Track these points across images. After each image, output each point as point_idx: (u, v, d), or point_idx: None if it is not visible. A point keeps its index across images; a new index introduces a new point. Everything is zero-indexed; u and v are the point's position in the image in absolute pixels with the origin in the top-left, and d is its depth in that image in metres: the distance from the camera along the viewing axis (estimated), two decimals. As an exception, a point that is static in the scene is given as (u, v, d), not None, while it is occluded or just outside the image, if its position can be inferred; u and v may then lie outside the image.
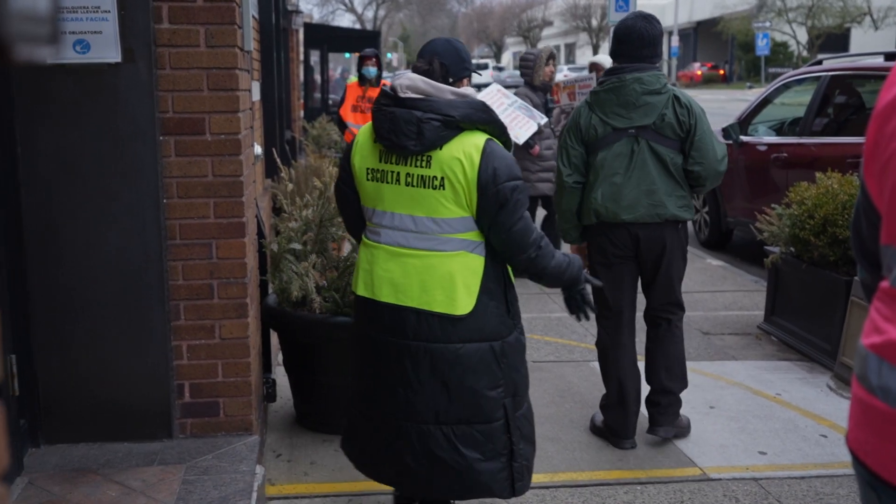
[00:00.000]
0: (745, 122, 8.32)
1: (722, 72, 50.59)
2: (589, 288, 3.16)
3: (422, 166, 2.80)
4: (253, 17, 4.79)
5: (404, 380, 2.90)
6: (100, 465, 3.36)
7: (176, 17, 3.35)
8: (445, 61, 2.87)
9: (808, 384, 4.94)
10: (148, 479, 3.23)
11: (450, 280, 2.83)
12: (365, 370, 3.06)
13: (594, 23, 62.56)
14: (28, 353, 3.44)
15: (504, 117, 5.93)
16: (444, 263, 2.84)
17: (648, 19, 3.84)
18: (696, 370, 5.14)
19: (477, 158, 2.75)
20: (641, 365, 4.14)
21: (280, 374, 4.55)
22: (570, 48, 70.70)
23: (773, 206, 5.84)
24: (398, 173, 2.83)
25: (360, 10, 59.46)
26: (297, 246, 4.10)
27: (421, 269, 2.85)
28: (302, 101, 17.66)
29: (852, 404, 1.50)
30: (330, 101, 18.49)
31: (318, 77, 20.43)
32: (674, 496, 3.58)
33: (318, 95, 19.79)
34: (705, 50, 55.65)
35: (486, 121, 2.82)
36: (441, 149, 2.77)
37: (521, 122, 6.35)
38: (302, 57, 17.96)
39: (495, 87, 6.41)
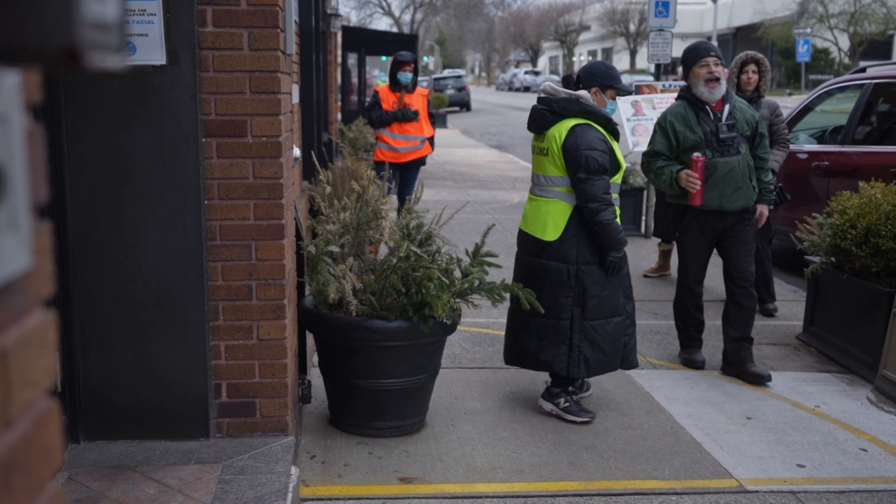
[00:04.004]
0: (785, 130, 8.21)
1: None
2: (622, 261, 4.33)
3: (540, 141, 4.36)
4: (294, 20, 4.83)
5: (522, 281, 4.30)
6: (138, 462, 3.40)
7: (220, 21, 3.39)
8: (581, 74, 4.42)
9: (848, 397, 4.86)
10: (185, 478, 3.26)
11: (544, 216, 4.32)
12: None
13: (632, 28, 62.19)
14: (69, 350, 3.50)
15: (630, 124, 8.00)
16: (545, 206, 4.34)
17: None
18: (733, 380, 5.09)
19: (564, 135, 4.21)
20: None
21: (315, 376, 4.57)
22: (608, 53, 70.32)
23: (813, 215, 5.77)
24: (534, 146, 4.43)
25: (397, 13, 59.69)
26: (334, 248, 4.12)
27: (535, 208, 4.39)
28: (339, 103, 17.75)
29: None
30: (366, 103, 18.53)
31: (355, 80, 20.51)
32: (710, 507, 3.54)
33: (355, 98, 19.87)
34: (744, 56, 55.03)
35: (580, 112, 4.22)
36: (549, 129, 4.27)
37: (641, 134, 7.84)
38: (340, 60, 18.05)
39: (633, 98, 8.06)
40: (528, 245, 4.41)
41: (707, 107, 4.95)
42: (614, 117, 4.41)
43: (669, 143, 5.00)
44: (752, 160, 4.99)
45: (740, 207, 4.95)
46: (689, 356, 5.35)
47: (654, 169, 5.05)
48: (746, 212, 5.02)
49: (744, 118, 4.97)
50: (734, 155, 4.90)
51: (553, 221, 4.29)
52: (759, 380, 4.97)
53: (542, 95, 4.35)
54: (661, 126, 5.06)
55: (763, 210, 5.16)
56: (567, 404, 4.38)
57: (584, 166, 4.14)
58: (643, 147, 7.62)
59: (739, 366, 5.08)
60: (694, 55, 4.99)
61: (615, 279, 4.32)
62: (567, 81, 4.45)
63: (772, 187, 5.11)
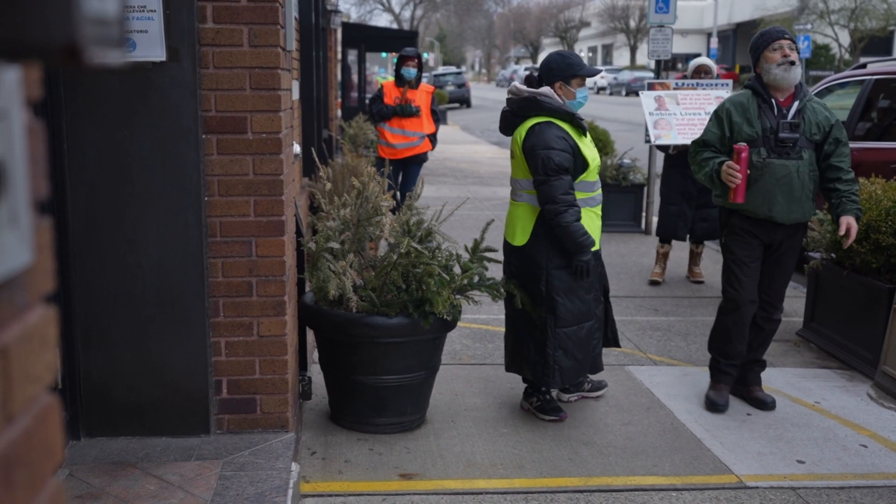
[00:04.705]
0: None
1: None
2: (589, 265, 4.09)
3: (510, 144, 4.25)
4: (294, 17, 4.83)
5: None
6: (138, 458, 3.40)
7: (220, 17, 3.39)
8: (541, 71, 4.21)
9: (848, 392, 4.87)
10: (185, 474, 3.27)
11: (514, 221, 4.22)
12: None
13: (632, 24, 62.15)
14: (70, 347, 3.50)
15: (652, 118, 7.61)
16: (515, 209, 4.24)
17: None
18: (733, 376, 5.09)
19: (523, 135, 4.09)
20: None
21: (315, 372, 4.58)
22: (608, 49, 70.28)
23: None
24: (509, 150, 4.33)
25: (397, 9, 59.62)
26: (334, 245, 4.13)
27: (509, 212, 4.30)
28: (339, 100, 17.75)
29: None
30: (366, 100, 18.55)
31: (355, 76, 20.52)
32: None
33: (355, 95, 19.88)
34: (744, 52, 54.94)
35: (540, 111, 4.06)
36: (515, 131, 4.16)
37: (664, 128, 7.56)
38: (340, 56, 18.05)
39: (656, 93, 7.74)
40: (506, 250, 4.31)
41: (773, 100, 4.32)
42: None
43: (722, 134, 4.39)
44: (826, 170, 4.32)
45: (793, 221, 4.34)
46: (714, 396, 4.57)
47: (698, 160, 4.47)
48: (800, 228, 4.44)
49: (814, 120, 4.30)
50: (794, 159, 4.26)
51: (521, 226, 4.17)
52: (763, 406, 4.55)
53: (509, 96, 4.22)
54: (717, 114, 4.45)
55: (850, 222, 4.24)
56: (539, 403, 4.39)
57: (542, 167, 3.96)
58: (664, 140, 7.34)
59: (745, 388, 4.67)
60: (765, 38, 4.38)
61: (586, 283, 4.14)
62: (529, 80, 4.21)
63: (855, 197, 4.28)
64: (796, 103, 4.33)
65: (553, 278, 4.09)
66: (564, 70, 4.13)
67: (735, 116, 4.35)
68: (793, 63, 4.27)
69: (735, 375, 4.61)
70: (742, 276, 4.43)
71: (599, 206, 4.25)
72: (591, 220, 4.14)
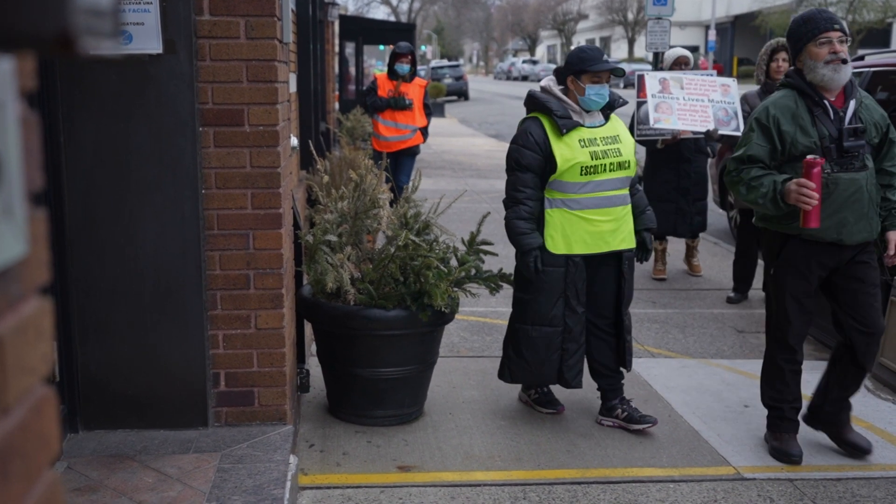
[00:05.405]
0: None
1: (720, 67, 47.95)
2: (532, 266, 3.98)
3: None
4: (291, 9, 4.82)
5: None
6: (136, 451, 3.41)
7: (216, 9, 3.38)
8: (561, 65, 4.19)
9: (846, 385, 4.87)
10: (184, 467, 3.27)
11: None
12: None
13: (630, 16, 62.10)
14: (68, 340, 3.50)
15: (653, 103, 6.77)
16: None
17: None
18: (731, 368, 5.10)
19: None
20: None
21: (313, 365, 4.58)
22: (606, 42, 70.21)
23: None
24: None
25: (394, 2, 59.50)
26: (332, 237, 4.12)
27: None
28: (337, 92, 17.72)
29: None
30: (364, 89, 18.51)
31: (352, 69, 20.48)
32: (707, 495, 3.56)
33: (352, 87, 19.84)
34: (743, 44, 55.05)
35: (532, 108, 4.11)
36: None
37: (665, 112, 6.99)
38: (337, 49, 18.02)
39: (661, 75, 7.05)
40: None
41: (826, 101, 3.66)
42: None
43: (772, 147, 3.67)
44: (877, 173, 3.74)
45: (862, 240, 3.71)
46: (782, 445, 3.90)
47: (746, 179, 3.69)
48: (868, 244, 3.77)
49: (871, 120, 3.68)
50: (860, 170, 3.63)
51: None
52: (859, 452, 3.91)
53: None
54: (761, 123, 3.69)
55: None
56: (536, 396, 4.40)
57: (506, 161, 4.09)
58: (664, 125, 6.71)
59: (837, 428, 3.98)
60: (811, 28, 3.64)
61: (544, 286, 4.00)
62: (557, 73, 4.21)
63: None
64: (852, 103, 3.68)
65: (516, 270, 4.17)
66: (575, 65, 4.00)
67: (784, 125, 3.65)
68: (844, 61, 3.60)
69: (799, 422, 3.97)
70: (791, 312, 3.80)
71: (593, 211, 3.98)
72: (569, 223, 3.97)
